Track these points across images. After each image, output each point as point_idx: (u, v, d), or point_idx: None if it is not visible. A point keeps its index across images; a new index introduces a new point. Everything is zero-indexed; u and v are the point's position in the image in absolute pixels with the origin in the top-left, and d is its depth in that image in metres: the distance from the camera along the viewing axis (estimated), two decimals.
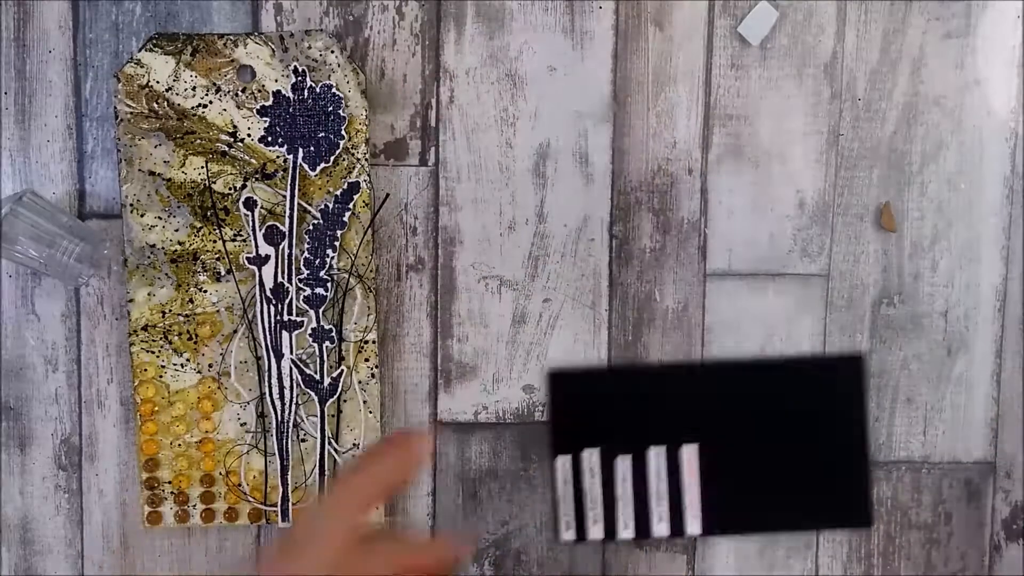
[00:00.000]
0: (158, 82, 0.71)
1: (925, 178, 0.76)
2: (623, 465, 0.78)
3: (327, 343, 0.73)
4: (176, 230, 0.72)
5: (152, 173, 0.72)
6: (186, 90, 0.71)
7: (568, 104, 0.75)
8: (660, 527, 0.76)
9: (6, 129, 0.74)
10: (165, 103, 0.71)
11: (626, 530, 0.77)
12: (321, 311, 0.73)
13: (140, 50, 0.71)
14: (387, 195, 0.75)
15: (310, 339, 0.73)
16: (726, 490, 0.78)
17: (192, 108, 0.71)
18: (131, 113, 0.71)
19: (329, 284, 0.73)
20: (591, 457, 0.76)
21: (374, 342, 0.74)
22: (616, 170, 0.76)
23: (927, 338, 0.78)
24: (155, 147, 0.72)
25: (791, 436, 0.77)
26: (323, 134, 0.71)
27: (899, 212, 0.77)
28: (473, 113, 0.75)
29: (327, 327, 0.73)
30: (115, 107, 0.71)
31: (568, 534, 0.78)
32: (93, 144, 0.74)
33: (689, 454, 0.77)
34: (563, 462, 0.77)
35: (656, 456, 0.77)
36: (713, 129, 0.76)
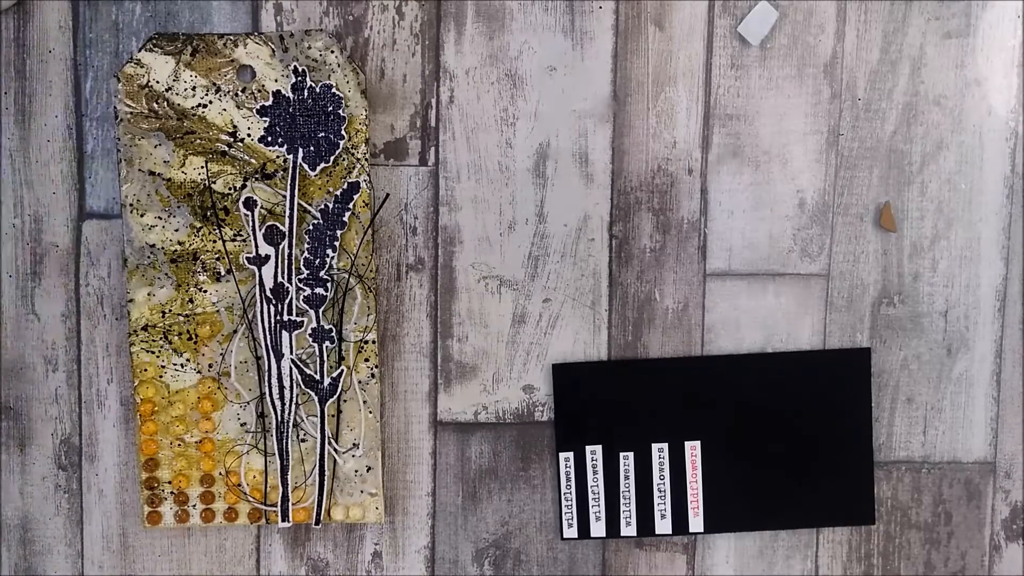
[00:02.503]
0: (158, 82, 0.71)
1: (925, 178, 0.76)
2: (626, 462, 0.78)
3: (327, 343, 0.73)
4: (176, 230, 0.72)
5: (152, 173, 0.72)
6: (186, 90, 0.71)
7: (568, 104, 0.75)
8: (663, 525, 0.77)
9: (6, 129, 0.74)
10: (165, 103, 0.71)
11: (628, 528, 0.77)
12: (321, 311, 0.73)
13: (140, 50, 0.71)
14: (387, 195, 0.75)
15: (310, 339, 0.73)
16: (728, 487, 0.78)
17: (192, 108, 0.71)
18: (131, 113, 0.71)
19: (329, 284, 0.73)
20: (594, 454, 0.76)
21: (374, 342, 0.74)
22: (616, 170, 0.76)
23: (927, 338, 0.78)
24: (155, 147, 0.72)
25: (795, 431, 0.77)
26: (323, 134, 0.71)
27: (899, 212, 0.77)
28: (473, 113, 0.75)
29: (327, 327, 0.73)
30: (115, 107, 0.71)
31: (571, 532, 0.78)
32: (93, 144, 0.74)
33: (692, 451, 0.77)
34: (566, 458, 0.77)
35: (659, 453, 0.77)
36: (713, 129, 0.76)
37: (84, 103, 0.74)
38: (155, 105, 0.71)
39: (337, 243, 0.73)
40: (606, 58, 0.75)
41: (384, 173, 0.75)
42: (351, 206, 0.73)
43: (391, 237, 0.76)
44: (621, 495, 0.78)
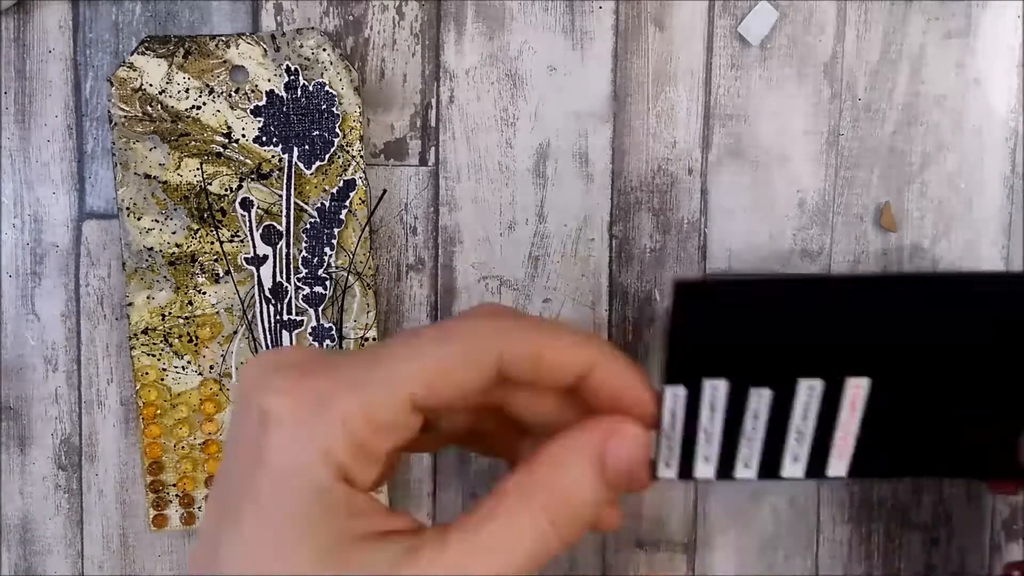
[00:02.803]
0: (151, 85, 0.71)
1: (925, 178, 0.76)
2: (758, 400, 0.60)
3: (327, 341, 0.74)
4: (173, 232, 0.72)
5: (148, 176, 0.72)
6: (179, 92, 0.71)
7: (568, 104, 0.75)
8: (794, 468, 0.59)
9: (6, 129, 0.74)
10: (159, 106, 0.71)
11: (747, 470, 0.60)
12: (320, 309, 0.73)
13: (132, 53, 0.71)
14: (384, 191, 0.75)
15: (311, 338, 0.73)
16: (886, 431, 0.60)
17: (186, 110, 0.71)
18: (125, 117, 0.71)
19: (328, 282, 0.73)
20: (715, 390, 0.59)
21: (374, 339, 0.74)
22: (616, 170, 0.76)
23: None
24: (150, 150, 0.72)
25: (980, 372, 0.57)
26: (317, 132, 0.71)
27: (899, 212, 0.76)
28: (473, 113, 0.75)
29: (327, 325, 0.73)
30: (109, 111, 0.71)
31: (668, 472, 0.60)
32: (93, 144, 0.74)
33: (855, 390, 0.59)
34: (674, 394, 0.58)
35: (808, 391, 0.59)
36: (713, 129, 0.76)
37: (84, 103, 0.74)
38: (149, 108, 0.71)
39: (335, 241, 0.73)
40: (606, 58, 0.75)
41: (384, 173, 0.75)
42: (347, 203, 0.73)
43: (391, 237, 0.76)
44: (743, 436, 0.60)
